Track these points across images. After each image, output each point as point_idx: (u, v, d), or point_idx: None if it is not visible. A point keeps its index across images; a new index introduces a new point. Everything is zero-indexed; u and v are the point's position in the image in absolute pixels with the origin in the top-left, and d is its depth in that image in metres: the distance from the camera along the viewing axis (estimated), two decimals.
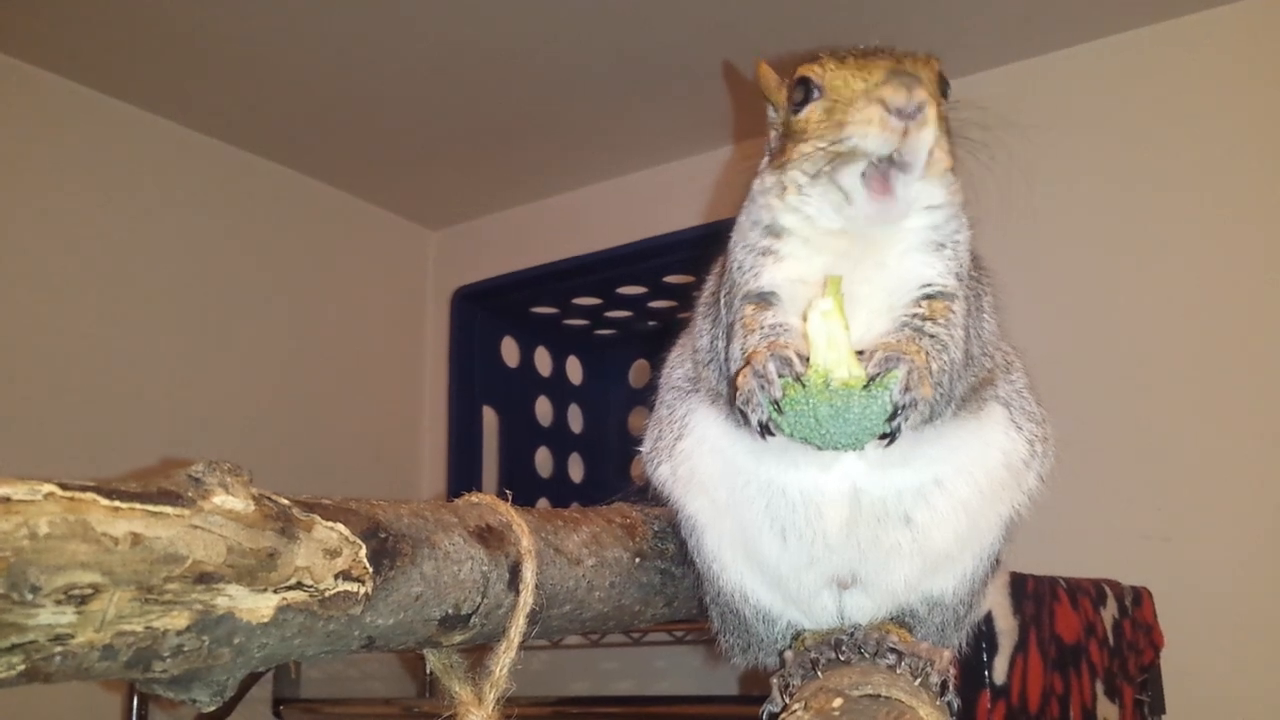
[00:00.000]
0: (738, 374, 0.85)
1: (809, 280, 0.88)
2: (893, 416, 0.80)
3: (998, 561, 1.02)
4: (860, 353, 0.82)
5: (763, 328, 0.87)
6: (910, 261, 0.89)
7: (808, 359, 0.81)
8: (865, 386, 0.80)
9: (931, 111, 0.81)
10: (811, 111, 0.87)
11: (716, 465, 0.97)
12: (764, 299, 0.90)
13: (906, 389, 0.80)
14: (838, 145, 0.83)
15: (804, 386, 0.80)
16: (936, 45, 2.17)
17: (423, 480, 2.89)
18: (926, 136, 0.81)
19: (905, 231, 0.88)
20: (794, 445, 0.85)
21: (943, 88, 0.88)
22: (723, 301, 0.95)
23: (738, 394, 0.83)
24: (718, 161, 2.58)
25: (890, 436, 0.81)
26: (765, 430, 0.83)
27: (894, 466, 0.91)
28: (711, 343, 0.98)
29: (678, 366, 1.07)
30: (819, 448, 0.82)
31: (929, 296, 0.88)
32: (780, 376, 0.81)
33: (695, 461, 0.99)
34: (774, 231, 0.91)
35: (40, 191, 2.18)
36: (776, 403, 0.81)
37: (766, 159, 0.97)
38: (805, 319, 0.82)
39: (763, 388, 0.81)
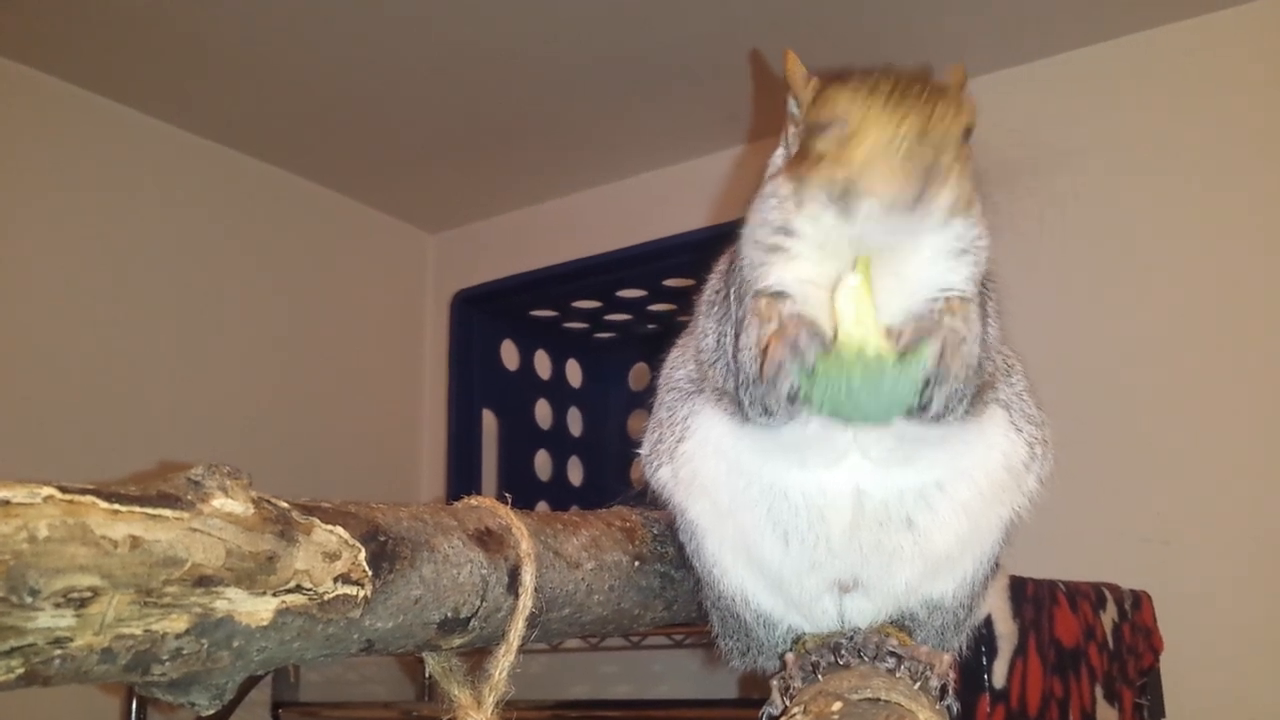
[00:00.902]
0: (767, 344, 0.83)
1: (820, 283, 0.87)
2: (925, 388, 0.80)
3: (997, 565, 1.02)
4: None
5: (781, 316, 0.86)
6: (932, 269, 0.87)
7: (834, 338, 0.81)
8: (897, 360, 0.79)
9: (953, 176, 0.79)
10: (833, 135, 0.84)
11: (720, 468, 0.96)
12: (776, 296, 0.90)
13: (940, 359, 0.80)
14: (851, 184, 0.81)
15: (835, 358, 0.80)
16: (937, 47, 2.16)
17: (422, 483, 2.89)
18: (943, 201, 0.79)
19: (926, 245, 0.87)
20: (802, 441, 0.85)
21: (968, 131, 0.85)
22: (733, 297, 0.94)
23: (766, 363, 0.82)
24: (719, 164, 2.57)
25: (922, 411, 0.81)
26: (792, 400, 0.82)
27: (898, 465, 0.90)
28: (718, 341, 0.97)
29: (679, 368, 1.06)
30: (846, 421, 0.82)
31: (947, 297, 0.88)
32: (811, 348, 0.81)
33: (697, 464, 0.98)
34: (787, 231, 0.91)
35: (39, 194, 2.18)
36: (808, 372, 0.80)
37: (782, 150, 0.96)
38: (833, 295, 0.82)
39: (794, 356, 0.81)
